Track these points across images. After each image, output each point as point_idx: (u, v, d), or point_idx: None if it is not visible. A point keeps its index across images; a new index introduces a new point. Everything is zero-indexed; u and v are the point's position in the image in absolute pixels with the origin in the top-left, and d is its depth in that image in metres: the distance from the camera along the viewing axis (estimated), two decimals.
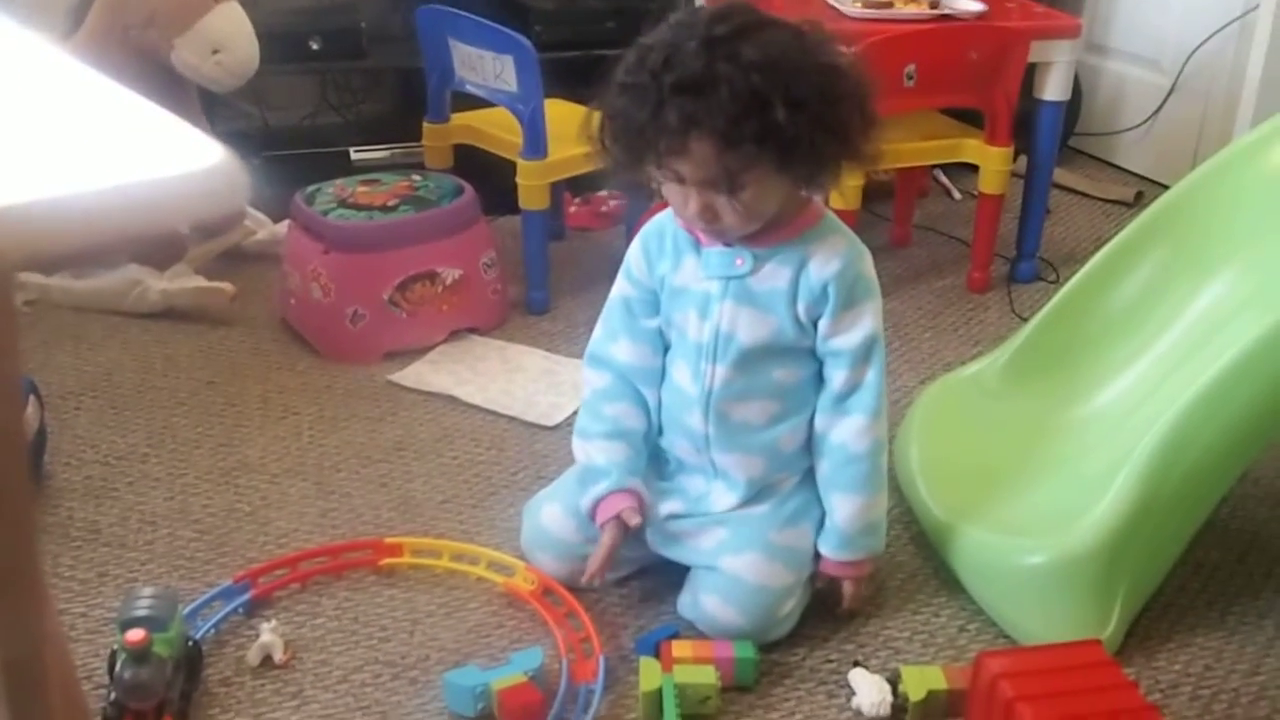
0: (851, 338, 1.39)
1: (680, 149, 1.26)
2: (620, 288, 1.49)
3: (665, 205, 1.45)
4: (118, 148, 0.54)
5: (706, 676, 1.32)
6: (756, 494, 1.45)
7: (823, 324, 1.39)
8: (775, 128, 1.23)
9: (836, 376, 1.41)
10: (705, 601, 1.41)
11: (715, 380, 1.41)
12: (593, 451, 1.46)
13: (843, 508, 1.43)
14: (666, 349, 1.48)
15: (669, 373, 1.47)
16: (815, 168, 1.32)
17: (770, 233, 1.38)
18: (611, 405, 1.47)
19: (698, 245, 1.42)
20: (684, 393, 1.45)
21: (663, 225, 1.45)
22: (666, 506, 1.47)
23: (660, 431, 1.50)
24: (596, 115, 1.34)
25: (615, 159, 1.36)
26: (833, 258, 1.38)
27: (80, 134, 0.56)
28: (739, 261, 1.39)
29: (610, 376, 1.49)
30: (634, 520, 1.41)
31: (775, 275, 1.39)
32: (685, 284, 1.42)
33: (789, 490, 1.46)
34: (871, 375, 1.41)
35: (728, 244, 1.39)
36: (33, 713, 0.76)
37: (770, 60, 1.23)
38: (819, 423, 1.44)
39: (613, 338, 1.49)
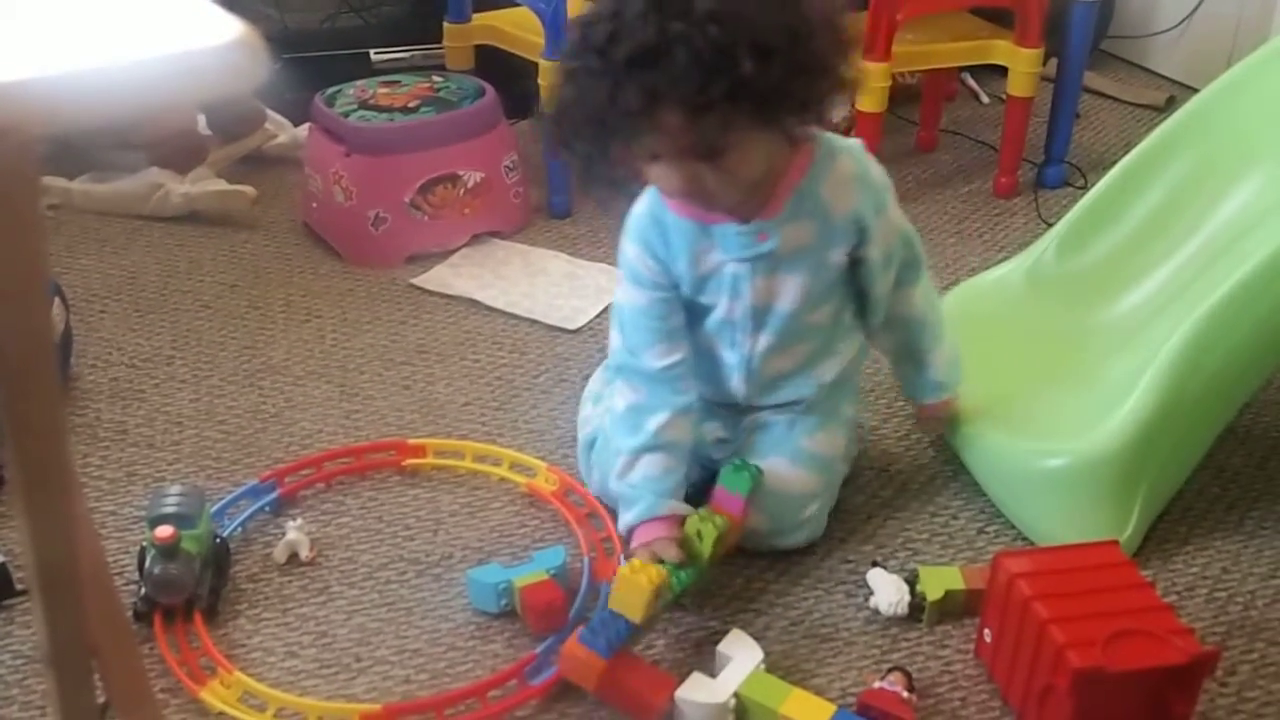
0: (894, 241, 1.38)
1: (648, 126, 1.14)
2: (631, 296, 1.36)
3: None
4: (139, 23, 0.53)
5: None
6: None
7: (871, 251, 1.34)
8: (746, 83, 1.10)
9: (888, 277, 1.39)
10: None
11: (756, 347, 1.38)
12: (630, 465, 1.36)
13: (933, 363, 1.48)
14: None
15: (700, 342, 1.40)
16: (799, 113, 1.19)
17: (779, 191, 1.29)
18: (652, 418, 1.35)
19: (701, 227, 1.31)
20: (720, 360, 1.41)
21: (654, 217, 1.33)
22: (710, 428, 1.46)
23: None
24: (551, 113, 1.22)
25: (581, 155, 1.22)
26: (846, 189, 1.31)
27: (101, 10, 0.55)
28: (761, 238, 1.30)
29: (646, 389, 1.36)
30: (669, 555, 1.29)
31: (799, 234, 1.31)
32: (709, 271, 1.33)
33: (817, 399, 1.45)
34: (917, 248, 1.42)
35: (743, 220, 1.29)
36: (66, 608, 0.78)
37: (728, 7, 1.10)
38: (878, 322, 1.42)
39: (642, 348, 1.36)
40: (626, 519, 1.36)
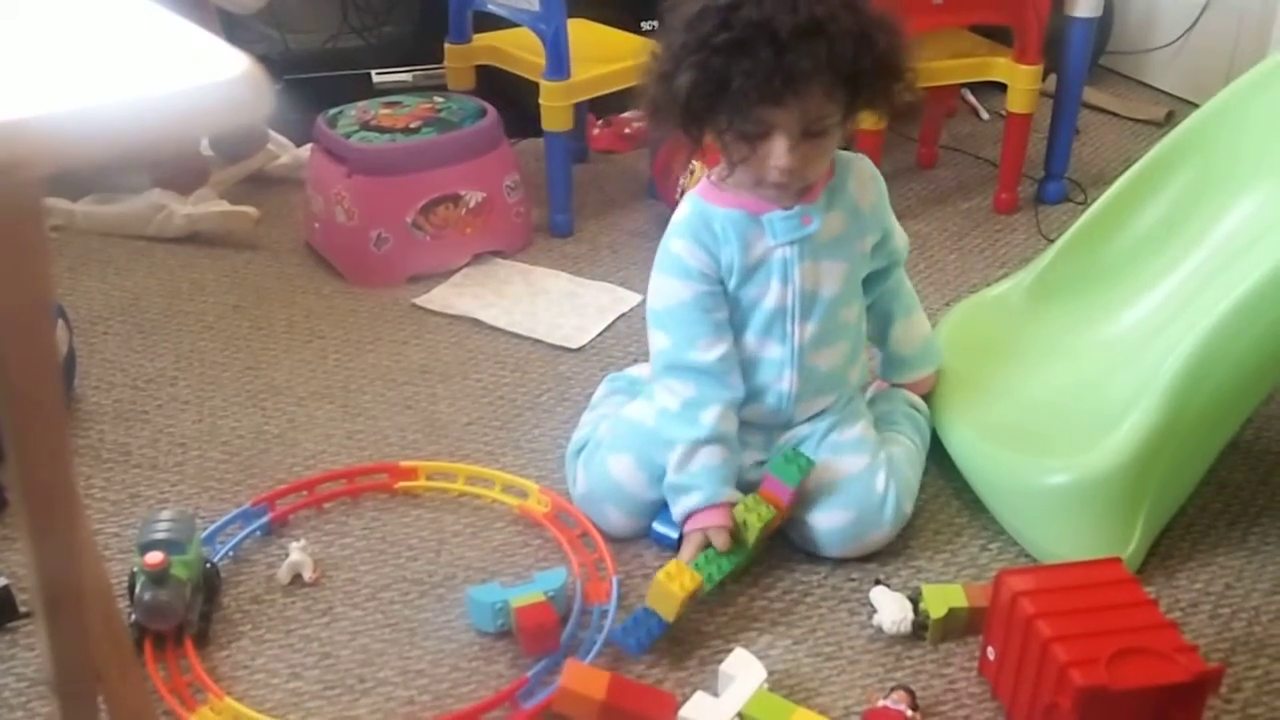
0: (897, 230, 1.53)
1: (804, 93, 1.26)
2: (679, 291, 1.42)
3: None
4: (144, 59, 0.54)
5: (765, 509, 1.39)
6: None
7: (897, 242, 1.53)
8: (881, 60, 1.29)
9: (897, 269, 1.56)
10: (812, 522, 1.44)
11: (805, 336, 1.44)
12: (689, 455, 1.42)
13: (912, 340, 1.61)
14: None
15: (745, 351, 1.45)
16: (894, 95, 1.35)
17: (816, 185, 1.41)
18: (706, 411, 1.41)
19: (751, 216, 1.40)
20: (768, 360, 1.45)
21: (701, 214, 1.41)
22: (749, 456, 1.48)
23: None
24: (678, 83, 1.29)
25: (699, 122, 1.32)
26: (867, 183, 1.46)
27: (107, 46, 0.56)
28: (806, 220, 1.40)
29: (696, 384, 1.42)
30: (720, 542, 1.38)
31: (836, 221, 1.43)
32: (759, 258, 1.41)
33: (839, 405, 1.50)
34: (902, 237, 1.56)
35: (786, 207, 1.39)
36: (71, 632, 0.78)
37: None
38: (890, 319, 1.59)
39: (690, 343, 1.42)
40: (687, 504, 1.41)
